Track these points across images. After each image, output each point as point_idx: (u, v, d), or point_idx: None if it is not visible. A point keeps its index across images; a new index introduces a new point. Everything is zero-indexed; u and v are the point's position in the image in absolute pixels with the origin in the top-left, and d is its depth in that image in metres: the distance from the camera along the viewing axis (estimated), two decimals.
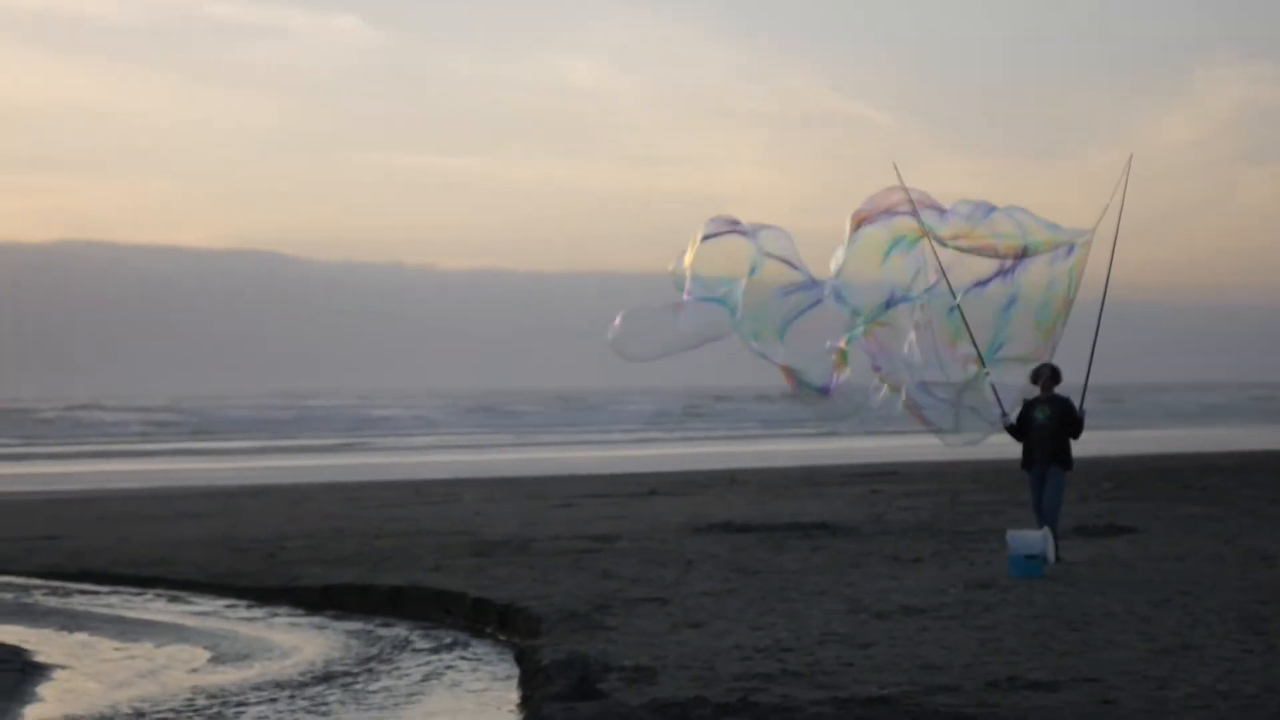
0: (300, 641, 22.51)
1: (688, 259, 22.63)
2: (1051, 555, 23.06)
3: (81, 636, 23.28)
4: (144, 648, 22.27)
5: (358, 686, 19.10)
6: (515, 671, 19.33)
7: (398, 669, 20.23)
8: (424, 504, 42.15)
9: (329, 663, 20.68)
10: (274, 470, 67.21)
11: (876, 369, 23.12)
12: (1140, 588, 21.72)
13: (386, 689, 19.00)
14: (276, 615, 25.11)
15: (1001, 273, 23.20)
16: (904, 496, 37.75)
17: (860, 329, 22.82)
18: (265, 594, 26.85)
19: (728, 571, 24.87)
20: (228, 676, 19.91)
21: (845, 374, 23.02)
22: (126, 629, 23.93)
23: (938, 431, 23.59)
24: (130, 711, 17.75)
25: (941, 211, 23.25)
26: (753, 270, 22.62)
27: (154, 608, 26.36)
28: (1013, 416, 23.33)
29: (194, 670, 20.47)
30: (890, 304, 23.03)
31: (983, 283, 23.31)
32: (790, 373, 22.59)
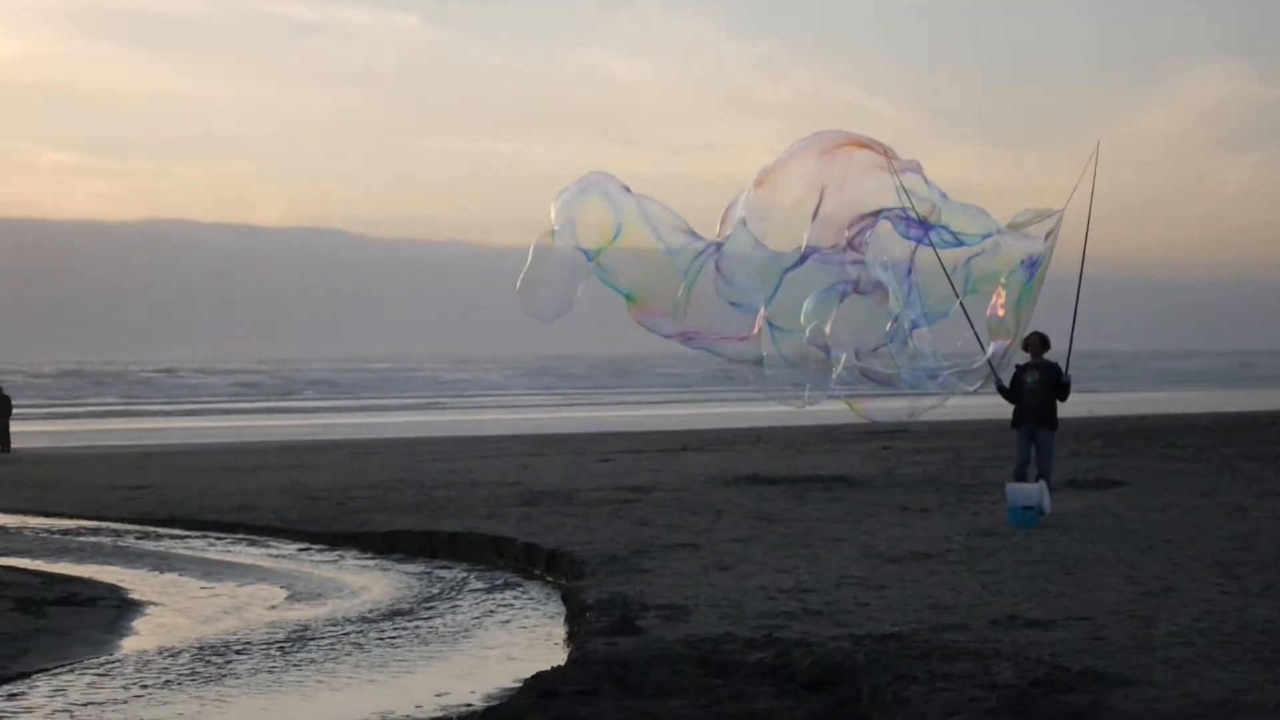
0: (368, 582, 22.61)
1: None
2: (1047, 506, 23.06)
3: (171, 576, 23.41)
4: (227, 587, 22.38)
5: (420, 622, 19.18)
6: (562, 610, 19.39)
7: (456, 607, 20.31)
8: (478, 457, 42.23)
9: (394, 601, 20.77)
10: (341, 427, 67.41)
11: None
12: (1127, 536, 21.74)
13: (446, 625, 19.08)
14: (345, 558, 25.21)
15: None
16: (914, 453, 37.76)
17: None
18: (335, 539, 26.96)
19: (754, 520, 24.92)
20: (303, 613, 20.01)
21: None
22: (212, 570, 24.05)
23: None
24: (216, 644, 17.86)
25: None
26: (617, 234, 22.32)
27: (236, 551, 26.47)
28: (1005, 380, 23.31)
29: (272, 607, 20.58)
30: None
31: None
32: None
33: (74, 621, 19.16)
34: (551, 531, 24.57)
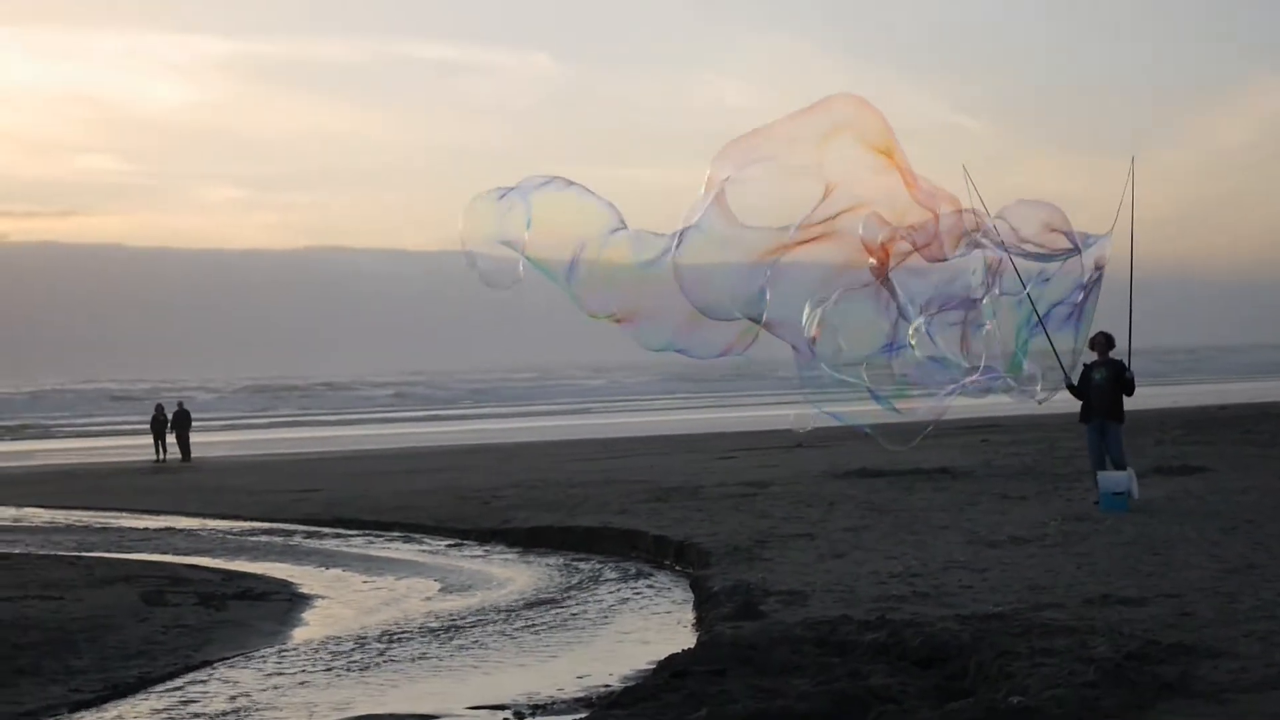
0: (513, 574, 22.63)
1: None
2: (1136, 492, 22.81)
3: (336, 572, 23.53)
4: (386, 580, 22.47)
5: (562, 610, 19.17)
6: (690, 597, 19.33)
7: (594, 595, 20.29)
8: (611, 458, 42.24)
9: (537, 591, 20.78)
10: (487, 432, 67.59)
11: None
12: (1211, 517, 21.47)
13: (585, 612, 19.07)
14: (493, 553, 25.25)
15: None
16: (1010, 444, 37.45)
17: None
18: (483, 535, 27.01)
19: (864, 510, 24.79)
20: (455, 603, 20.05)
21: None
22: (372, 565, 24.16)
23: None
24: (378, 633, 17.92)
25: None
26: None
27: (393, 547, 26.58)
28: (1074, 378, 23.06)
29: (428, 599, 20.63)
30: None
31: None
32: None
33: (250, 614, 19.29)
34: (679, 525, 24.52)
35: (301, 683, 15.29)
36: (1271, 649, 12.44)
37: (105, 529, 31.26)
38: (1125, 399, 23.48)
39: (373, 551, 26.12)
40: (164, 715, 14.06)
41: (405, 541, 27.24)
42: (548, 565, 23.33)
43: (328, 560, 24.94)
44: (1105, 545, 19.42)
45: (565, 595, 20.33)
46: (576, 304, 17.26)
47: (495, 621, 18.45)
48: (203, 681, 15.48)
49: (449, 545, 26.38)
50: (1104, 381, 23.22)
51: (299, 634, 18.20)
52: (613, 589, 20.75)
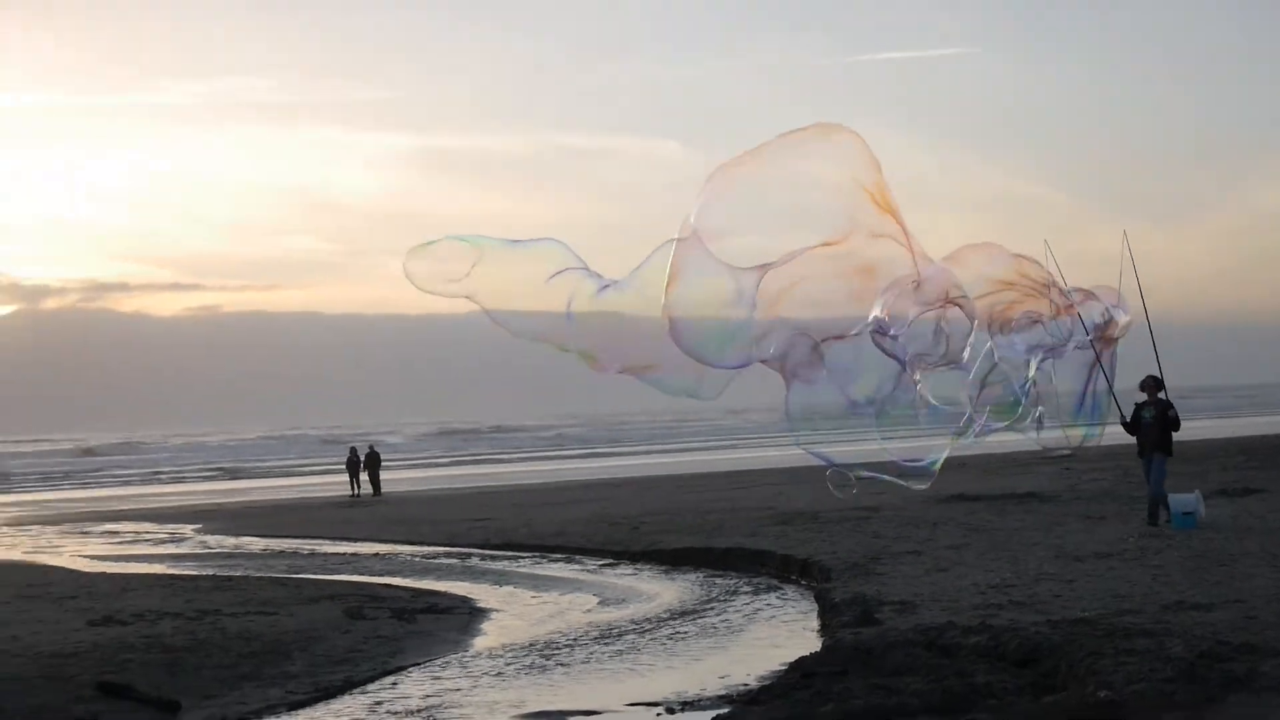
0: (660, 589, 22.62)
1: None
2: (1203, 511, 22.55)
3: (509, 589, 23.60)
4: (551, 596, 22.52)
5: (703, 620, 19.15)
6: (814, 607, 19.25)
7: (731, 607, 20.25)
8: (739, 488, 42.09)
9: (681, 604, 20.76)
10: (632, 467, 67.63)
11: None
12: (1270, 534, 21.13)
13: (724, 621, 19.03)
14: (642, 571, 25.23)
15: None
16: (1089, 471, 36.94)
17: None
18: (633, 556, 27.00)
19: (964, 530, 24.58)
20: (611, 615, 20.06)
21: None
22: (539, 583, 24.22)
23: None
24: (546, 641, 17.97)
25: None
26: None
27: (556, 568, 26.63)
28: (1127, 416, 22.83)
29: (587, 611, 20.66)
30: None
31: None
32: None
33: (436, 625, 19.40)
34: (803, 545, 24.43)
35: (482, 684, 15.38)
36: None
37: (312, 554, 31.57)
38: (1174, 434, 23.20)
39: (539, 571, 26.19)
40: (366, 713, 14.20)
41: (566, 562, 27.29)
42: (690, 581, 23.30)
43: (501, 579, 25.03)
44: (1177, 559, 19.15)
45: (706, 607, 20.30)
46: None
47: (647, 630, 18.46)
48: (398, 684, 15.60)
49: (603, 565, 26.40)
50: (1152, 420, 23.02)
51: (478, 643, 18.28)
52: (747, 601, 20.70)
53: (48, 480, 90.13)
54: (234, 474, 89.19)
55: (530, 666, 16.29)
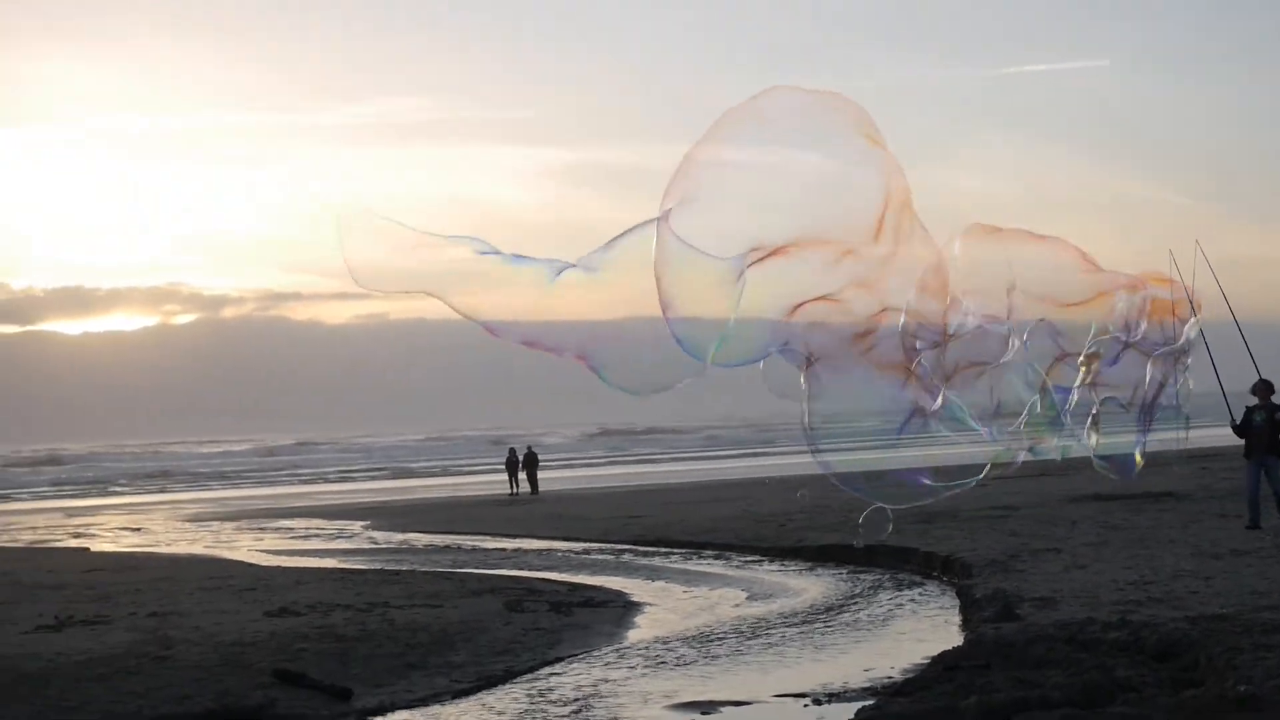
0: (807, 585, 22.52)
1: None
2: None
3: (660, 584, 23.61)
4: (702, 590, 22.50)
5: (849, 615, 19.04)
6: (956, 603, 19.05)
7: (875, 602, 20.11)
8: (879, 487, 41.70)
9: (827, 598, 20.66)
10: (775, 466, 67.41)
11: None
12: None
13: (869, 615, 18.91)
14: (788, 567, 25.15)
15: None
16: (1225, 471, 36.18)
17: None
18: (779, 552, 26.91)
19: (1101, 529, 24.22)
20: (760, 609, 20.01)
21: None
22: (690, 578, 24.21)
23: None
24: (697, 634, 17.96)
25: None
26: None
27: (706, 563, 26.61)
28: (1237, 419, 22.30)
29: (736, 605, 20.61)
30: None
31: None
32: None
33: (592, 618, 19.46)
34: (944, 541, 24.21)
35: (636, 675, 15.40)
36: None
37: (474, 549, 31.82)
38: None
39: (689, 566, 26.19)
40: (526, 701, 14.27)
41: (716, 558, 27.25)
42: (835, 577, 23.18)
43: (653, 574, 25.06)
44: None
45: (850, 602, 20.18)
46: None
47: (793, 624, 18.39)
48: (556, 674, 15.67)
49: (751, 561, 26.34)
50: (1263, 423, 22.50)
51: (632, 635, 18.31)
52: (890, 597, 20.56)
53: (226, 478, 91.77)
54: (399, 473, 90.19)
55: (682, 658, 16.28)
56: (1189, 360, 15.44)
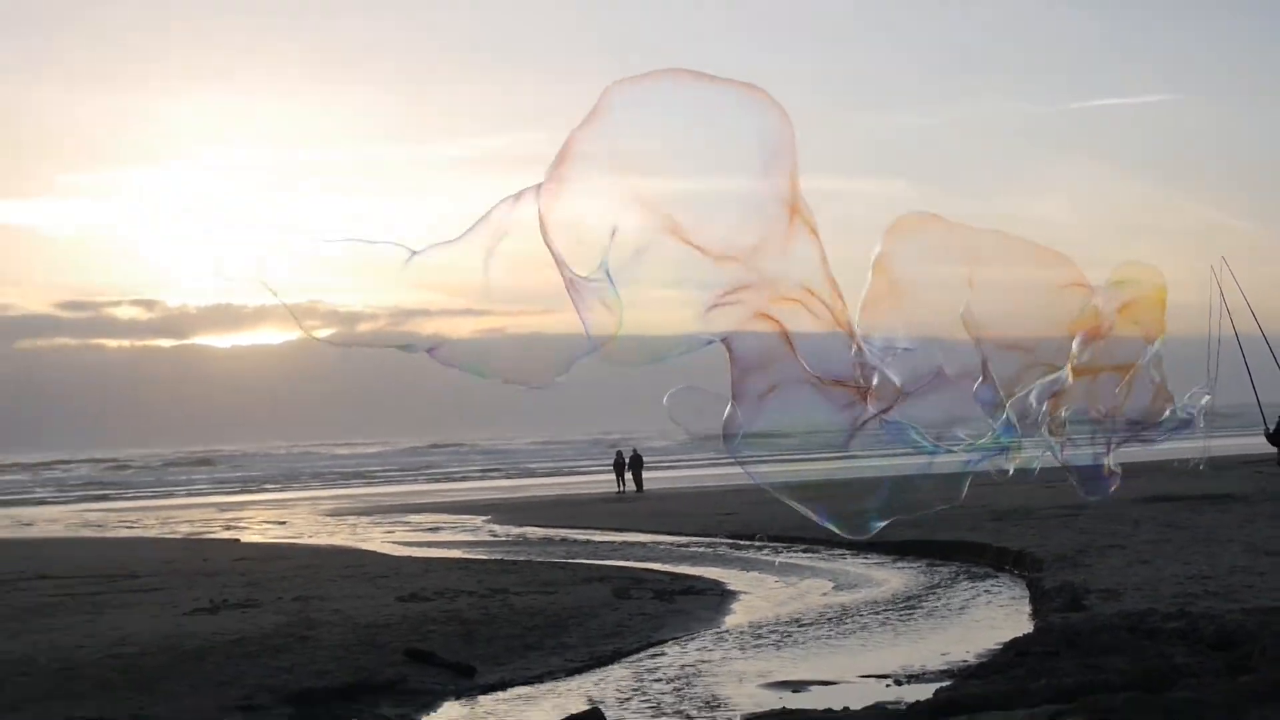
0: (888, 576, 22.43)
1: None
2: None
3: (754, 574, 23.60)
4: (792, 580, 22.46)
5: (927, 604, 18.96)
6: (1026, 594, 18.89)
7: (951, 593, 20.00)
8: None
9: (908, 589, 20.57)
10: (854, 469, 67.01)
11: None
12: None
13: (946, 605, 18.82)
14: (870, 560, 25.04)
15: None
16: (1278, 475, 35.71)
17: None
18: (863, 546, 26.76)
19: (1162, 527, 23.92)
20: (845, 598, 19.96)
21: None
22: (782, 570, 24.12)
23: None
24: (788, 619, 17.95)
25: None
26: None
27: (796, 556, 26.54)
28: (1271, 426, 21.93)
29: (824, 594, 20.57)
30: None
31: None
32: None
33: (692, 605, 19.49)
34: (1016, 538, 24.02)
35: (732, 656, 15.43)
36: None
37: (585, 542, 31.92)
38: None
39: (780, 559, 26.14)
40: (633, 679, 14.33)
41: (805, 552, 27.18)
42: (914, 570, 23.08)
43: (748, 565, 25.04)
44: None
45: (929, 592, 20.08)
46: None
47: (877, 612, 18.34)
48: (660, 655, 15.72)
49: (836, 554, 26.26)
50: None
51: (729, 620, 18.33)
52: (966, 588, 20.43)
53: (361, 477, 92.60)
54: (517, 473, 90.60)
55: (775, 642, 16.29)
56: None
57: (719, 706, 12.76)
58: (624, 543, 31.42)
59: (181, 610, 18.86)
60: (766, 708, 12.32)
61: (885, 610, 18.45)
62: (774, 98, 9.45)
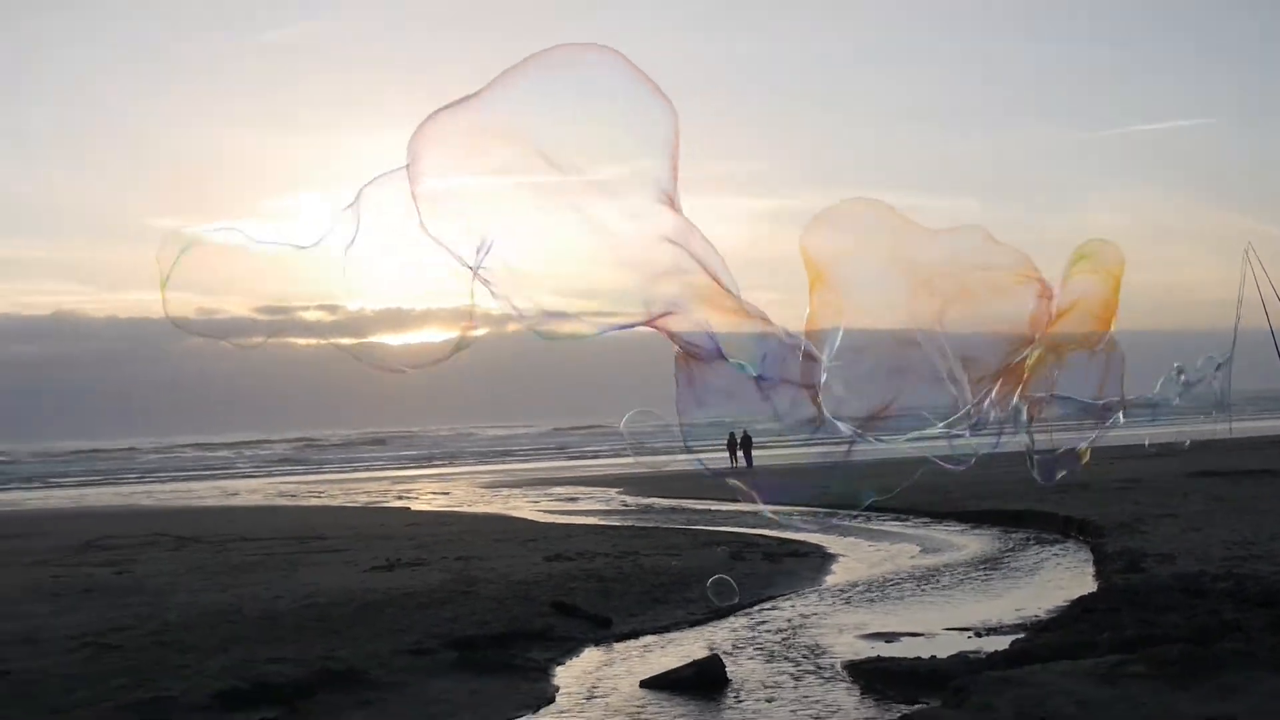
0: (968, 541, 22.15)
1: None
2: None
3: (850, 539, 23.43)
4: (883, 545, 22.27)
5: (1003, 565, 18.69)
6: (1090, 557, 18.56)
7: (1023, 556, 19.70)
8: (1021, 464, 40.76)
9: (985, 553, 20.30)
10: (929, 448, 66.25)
11: None
12: None
13: (1019, 566, 18.54)
14: (952, 528, 24.76)
15: None
16: None
17: None
18: (942, 515, 26.46)
19: (1210, 499, 23.37)
20: (931, 560, 19.74)
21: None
22: (874, 535, 23.98)
23: None
24: (881, 579, 17.79)
25: None
26: None
27: (886, 524, 26.32)
28: None
29: (912, 557, 20.37)
30: None
31: None
32: None
33: (797, 566, 19.39)
34: (1079, 508, 23.56)
35: (833, 610, 15.32)
36: None
37: (703, 511, 31.89)
38: None
39: (873, 526, 25.91)
40: (747, 630, 14.28)
41: (894, 520, 26.94)
42: (990, 536, 22.76)
43: (844, 531, 24.86)
44: None
45: (1004, 556, 19.79)
46: None
47: (958, 572, 18.11)
48: (770, 608, 15.65)
49: (922, 522, 25.99)
50: None
51: (829, 580, 18.21)
52: (1036, 552, 20.10)
53: (511, 455, 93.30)
54: (644, 451, 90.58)
55: (870, 598, 16.15)
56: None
57: (822, 654, 12.68)
58: (736, 512, 31.33)
59: (362, 568, 19.13)
60: (863, 655, 12.24)
61: (966, 571, 18.22)
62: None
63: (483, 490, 47.35)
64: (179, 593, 17.01)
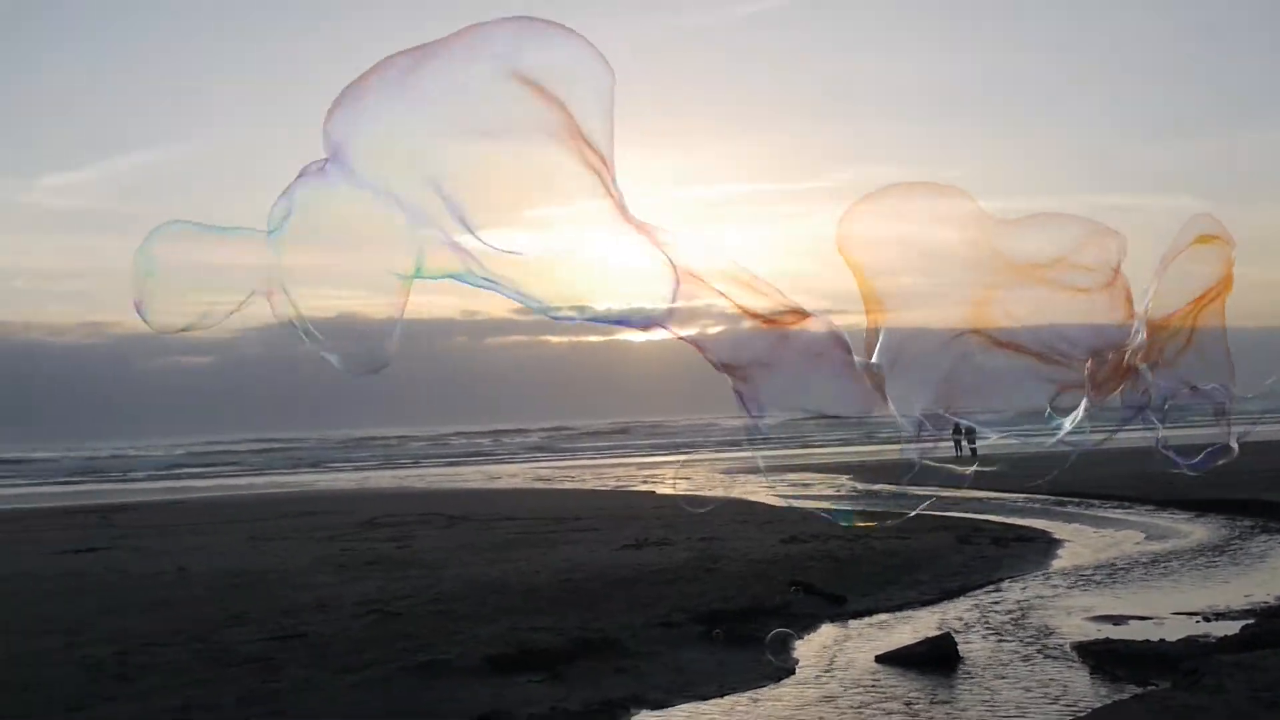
0: (1193, 529, 21.14)
1: None
2: None
3: (1076, 526, 22.63)
4: (1108, 532, 21.46)
5: (1230, 552, 17.80)
6: None
7: (1251, 543, 18.70)
8: (1248, 454, 38.64)
9: (1211, 540, 19.35)
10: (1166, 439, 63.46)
11: None
12: None
13: (1246, 554, 17.62)
14: (1176, 515, 23.66)
15: None
16: None
17: None
18: (1165, 503, 25.34)
19: None
20: (1156, 547, 18.93)
21: None
22: (1099, 522, 23.12)
23: None
24: (1107, 564, 17.13)
25: None
26: None
27: (1109, 511, 25.33)
28: None
29: (1137, 544, 19.55)
30: None
31: None
32: None
33: (1024, 550, 18.85)
34: None
35: (1060, 593, 14.84)
36: None
37: (931, 496, 31.15)
38: None
39: (1096, 513, 24.97)
40: (977, 611, 13.97)
41: (1116, 508, 25.90)
42: (1216, 524, 21.67)
43: (1069, 518, 24.04)
44: None
45: (1230, 543, 18.84)
46: None
47: (1184, 559, 17.32)
48: (998, 591, 15.27)
49: (1145, 509, 24.93)
50: None
51: (1055, 564, 17.64)
52: (1264, 540, 19.07)
53: (746, 443, 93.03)
54: (869, 440, 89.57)
55: (1096, 582, 15.59)
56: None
57: (1051, 635, 12.30)
58: (963, 498, 30.62)
59: (613, 546, 19.42)
60: (1092, 637, 11.83)
61: (1192, 557, 17.41)
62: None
63: (721, 476, 47.48)
64: (451, 566, 17.59)
